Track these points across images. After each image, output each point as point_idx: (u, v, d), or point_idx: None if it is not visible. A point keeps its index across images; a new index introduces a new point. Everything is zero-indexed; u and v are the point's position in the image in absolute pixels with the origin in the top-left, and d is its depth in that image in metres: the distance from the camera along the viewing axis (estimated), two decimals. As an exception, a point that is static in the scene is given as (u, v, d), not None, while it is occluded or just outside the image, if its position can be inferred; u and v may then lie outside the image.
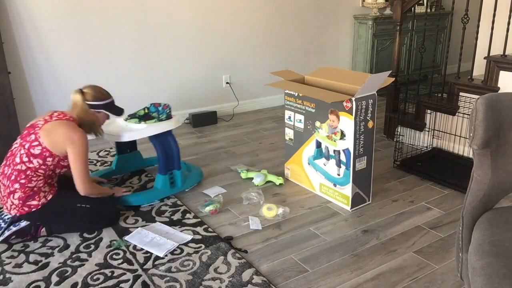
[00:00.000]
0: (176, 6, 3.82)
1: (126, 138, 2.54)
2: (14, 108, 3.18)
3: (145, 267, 2.02)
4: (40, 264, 2.05)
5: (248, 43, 4.29)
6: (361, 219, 2.42)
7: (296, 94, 2.64)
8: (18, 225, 2.23)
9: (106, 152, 3.43)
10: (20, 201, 2.15)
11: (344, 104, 2.34)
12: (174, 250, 2.14)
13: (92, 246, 2.18)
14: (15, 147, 2.23)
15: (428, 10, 5.24)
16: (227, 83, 4.28)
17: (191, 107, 4.15)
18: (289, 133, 2.81)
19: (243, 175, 2.92)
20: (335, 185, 2.55)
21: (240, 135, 3.78)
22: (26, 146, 2.17)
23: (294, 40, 4.55)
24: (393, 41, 3.68)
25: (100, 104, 2.37)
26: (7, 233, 2.20)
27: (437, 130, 3.21)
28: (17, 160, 2.17)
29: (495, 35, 2.95)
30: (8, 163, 2.20)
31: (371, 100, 2.37)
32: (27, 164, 2.16)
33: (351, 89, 2.43)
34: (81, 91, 2.34)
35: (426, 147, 3.27)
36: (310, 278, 1.94)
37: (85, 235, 2.28)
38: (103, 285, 1.90)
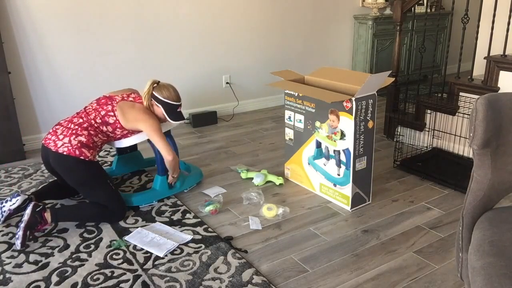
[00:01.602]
0: (176, 7, 3.82)
1: (124, 144, 2.58)
2: (14, 108, 3.18)
3: (145, 267, 2.02)
4: (40, 264, 2.04)
5: (248, 43, 4.29)
6: (361, 219, 2.42)
7: (296, 94, 2.64)
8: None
9: (106, 152, 3.43)
10: (79, 144, 2.30)
11: (344, 104, 2.34)
12: (174, 250, 2.14)
13: (92, 246, 2.18)
14: (89, 108, 2.47)
15: (428, 10, 5.24)
16: (227, 83, 4.28)
17: (191, 107, 4.15)
18: (289, 133, 2.81)
19: (243, 175, 2.92)
20: (335, 185, 2.55)
21: (240, 135, 3.78)
22: (102, 113, 2.43)
23: (294, 40, 4.55)
24: (393, 41, 3.68)
25: (161, 99, 2.48)
26: (7, 212, 2.32)
27: (437, 130, 3.21)
28: (91, 117, 2.41)
29: (495, 35, 2.95)
30: (81, 115, 2.43)
31: (371, 100, 2.37)
32: (98, 124, 2.41)
33: (351, 89, 2.43)
34: (156, 82, 2.52)
35: (426, 147, 3.27)
36: (310, 278, 1.94)
37: (85, 235, 2.28)
38: (103, 285, 1.90)
